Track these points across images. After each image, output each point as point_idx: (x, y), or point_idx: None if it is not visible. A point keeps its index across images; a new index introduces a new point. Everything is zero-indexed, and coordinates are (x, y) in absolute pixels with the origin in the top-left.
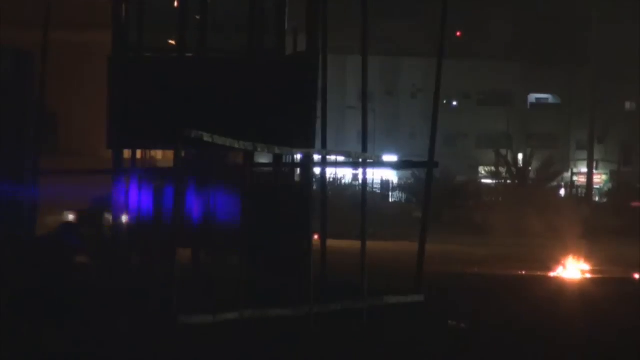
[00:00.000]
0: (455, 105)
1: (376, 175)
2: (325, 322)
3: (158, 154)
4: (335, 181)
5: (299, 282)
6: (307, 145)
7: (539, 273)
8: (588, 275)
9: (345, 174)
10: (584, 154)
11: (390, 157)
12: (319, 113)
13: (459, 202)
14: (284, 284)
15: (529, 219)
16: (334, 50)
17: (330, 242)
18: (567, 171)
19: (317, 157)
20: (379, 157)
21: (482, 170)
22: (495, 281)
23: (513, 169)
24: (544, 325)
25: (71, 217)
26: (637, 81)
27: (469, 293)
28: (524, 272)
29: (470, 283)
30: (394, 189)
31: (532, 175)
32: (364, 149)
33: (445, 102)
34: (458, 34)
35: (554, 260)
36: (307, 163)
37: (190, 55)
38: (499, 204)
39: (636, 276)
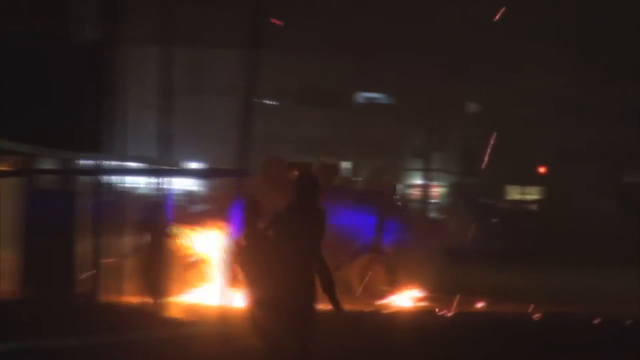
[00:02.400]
0: (272, 105)
1: (181, 185)
2: None
3: None
4: (131, 191)
5: None
6: (97, 149)
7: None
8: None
9: (144, 183)
10: (420, 163)
11: (195, 165)
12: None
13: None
14: None
15: None
16: (134, 40)
17: None
18: (401, 182)
19: (109, 163)
20: (182, 164)
21: None
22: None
23: (337, 179)
24: None
25: None
26: (481, 79)
27: None
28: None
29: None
30: (198, 201)
31: (361, 186)
32: (165, 155)
33: (260, 100)
34: (277, 22)
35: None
36: (96, 170)
37: None
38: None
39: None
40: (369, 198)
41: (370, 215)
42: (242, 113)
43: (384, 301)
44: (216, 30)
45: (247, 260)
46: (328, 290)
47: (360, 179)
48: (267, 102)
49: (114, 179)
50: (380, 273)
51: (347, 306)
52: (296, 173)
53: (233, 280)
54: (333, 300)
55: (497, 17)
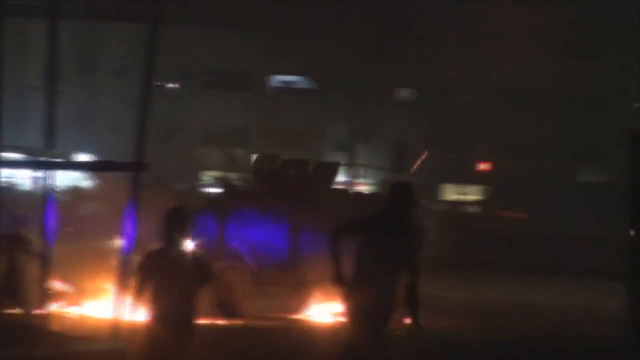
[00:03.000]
0: (174, 89)
1: (66, 180)
2: None
3: None
4: (11, 187)
5: None
6: None
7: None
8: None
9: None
10: (344, 157)
11: (84, 157)
12: None
13: None
14: None
15: None
16: (14, 11)
17: None
18: None
19: None
20: (70, 155)
21: (209, 175)
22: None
23: (249, 174)
24: None
25: None
26: (417, 62)
27: None
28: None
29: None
30: (85, 201)
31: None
32: (49, 145)
33: (159, 83)
34: None
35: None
36: None
37: None
38: None
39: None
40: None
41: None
42: (139, 98)
43: (297, 316)
44: (111, 2)
45: (149, 275)
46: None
47: None
48: (169, 85)
49: None
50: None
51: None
52: (291, 171)
53: (132, 294)
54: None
55: None
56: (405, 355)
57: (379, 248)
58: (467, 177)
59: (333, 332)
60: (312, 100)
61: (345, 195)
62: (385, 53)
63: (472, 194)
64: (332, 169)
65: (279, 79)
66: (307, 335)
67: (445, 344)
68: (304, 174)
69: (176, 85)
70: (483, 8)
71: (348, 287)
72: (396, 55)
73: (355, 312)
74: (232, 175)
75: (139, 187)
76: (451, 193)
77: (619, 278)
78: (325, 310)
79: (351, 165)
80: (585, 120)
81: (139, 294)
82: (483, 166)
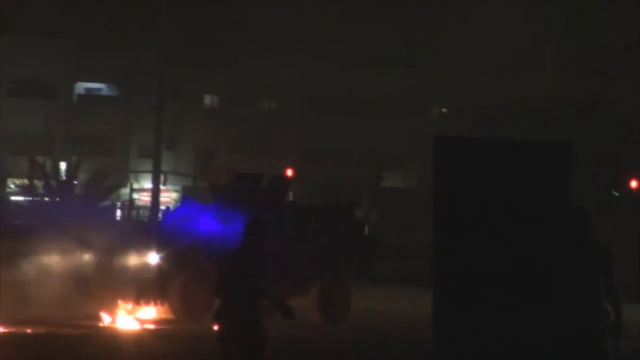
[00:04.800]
0: None
1: None
2: None
3: None
4: None
5: None
6: None
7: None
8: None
9: None
10: (149, 164)
11: None
12: None
13: None
14: None
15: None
16: None
17: None
18: (126, 186)
19: None
20: None
21: (13, 183)
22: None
23: (53, 182)
24: None
25: None
26: (223, 69)
27: None
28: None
29: None
30: None
31: (80, 191)
32: None
33: None
34: None
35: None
36: None
37: None
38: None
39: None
40: None
41: None
42: None
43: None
44: None
45: None
46: None
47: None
48: None
49: None
50: None
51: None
52: (246, 185)
53: None
54: None
55: None
56: None
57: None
58: None
59: (138, 339)
60: (117, 107)
61: (297, 208)
62: (191, 60)
63: None
64: (286, 183)
65: (84, 86)
66: (112, 342)
67: None
68: (258, 187)
69: None
70: (288, 16)
71: None
72: (202, 62)
73: None
74: (37, 183)
75: None
76: None
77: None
78: (132, 318)
79: (156, 172)
80: (388, 126)
81: None
82: (289, 172)
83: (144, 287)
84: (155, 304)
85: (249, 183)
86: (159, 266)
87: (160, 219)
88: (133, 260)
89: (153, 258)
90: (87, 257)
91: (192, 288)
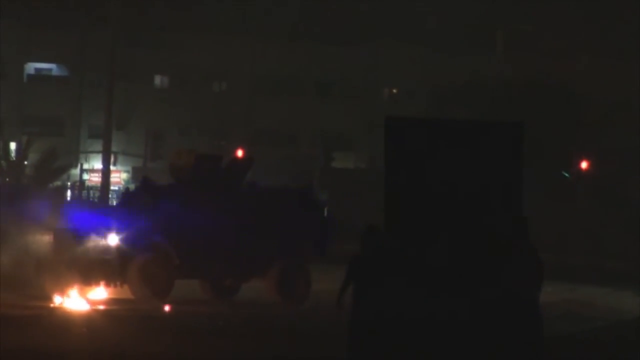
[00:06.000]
0: None
1: None
2: None
3: None
4: None
5: None
6: None
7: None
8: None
9: None
10: (99, 145)
11: None
12: None
13: None
14: None
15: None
16: None
17: None
18: (77, 166)
19: None
20: None
21: None
22: None
23: (3, 162)
24: None
25: None
26: (174, 49)
27: None
28: None
29: None
30: None
31: (30, 171)
32: None
33: None
34: None
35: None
36: None
37: None
38: None
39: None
40: None
41: None
42: None
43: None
44: None
45: None
46: None
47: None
48: None
49: None
50: None
51: None
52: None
53: None
54: None
55: None
56: None
57: None
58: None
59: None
60: (68, 88)
61: (257, 189)
62: (141, 41)
63: None
64: (246, 164)
65: (34, 66)
66: (63, 323)
67: None
68: (218, 168)
69: None
70: None
71: None
72: (152, 43)
73: None
74: None
75: None
76: None
77: None
78: (83, 299)
79: (106, 153)
80: (340, 106)
81: None
82: (239, 153)
83: (103, 269)
84: (115, 285)
85: (209, 164)
86: (118, 248)
87: (119, 199)
88: (92, 242)
89: (112, 239)
90: (41, 238)
91: (152, 269)
